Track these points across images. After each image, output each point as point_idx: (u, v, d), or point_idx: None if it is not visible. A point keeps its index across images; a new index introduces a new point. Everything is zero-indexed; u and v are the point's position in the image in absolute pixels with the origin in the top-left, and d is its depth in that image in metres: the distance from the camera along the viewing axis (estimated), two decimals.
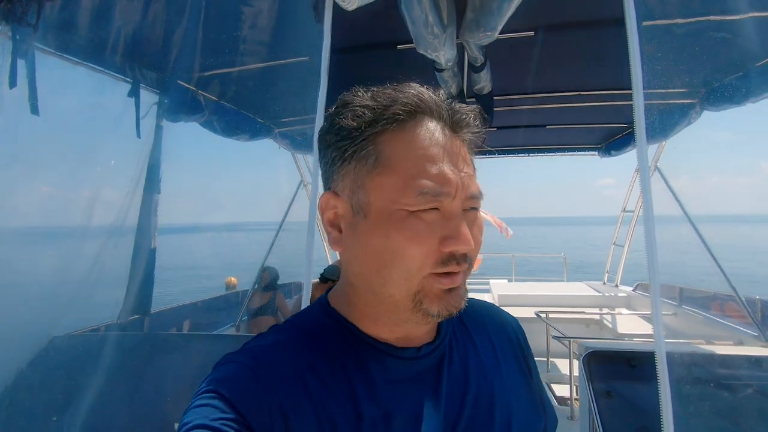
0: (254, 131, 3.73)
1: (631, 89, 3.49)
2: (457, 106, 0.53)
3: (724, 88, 3.02)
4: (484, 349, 0.63)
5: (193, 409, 0.46)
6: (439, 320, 0.52)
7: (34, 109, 1.86)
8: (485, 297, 6.67)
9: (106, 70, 2.27)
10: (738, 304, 3.39)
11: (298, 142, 4.77)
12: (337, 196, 0.53)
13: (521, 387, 0.64)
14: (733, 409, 1.27)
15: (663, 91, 3.49)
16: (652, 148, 4.62)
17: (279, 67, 2.65)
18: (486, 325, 0.67)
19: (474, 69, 2.03)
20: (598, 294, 5.75)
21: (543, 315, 4.51)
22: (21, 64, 1.76)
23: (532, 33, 2.31)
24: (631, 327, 4.51)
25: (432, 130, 0.50)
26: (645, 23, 2.58)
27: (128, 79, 2.47)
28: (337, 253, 0.56)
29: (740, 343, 3.28)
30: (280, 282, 4.52)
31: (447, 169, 0.48)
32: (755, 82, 2.75)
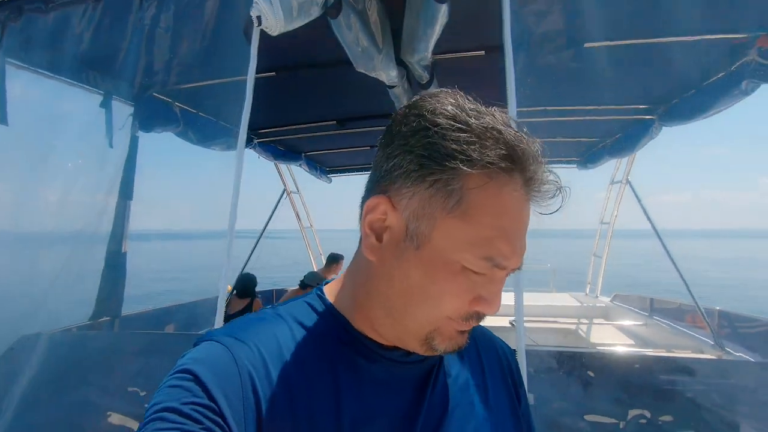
0: (231, 142, 3.86)
1: (603, 105, 3.61)
2: (546, 173, 0.48)
3: (680, 104, 3.15)
4: (473, 369, 0.62)
5: (166, 388, 0.44)
6: (441, 354, 0.52)
7: (3, 119, 1.98)
8: None
9: (77, 83, 2.40)
10: (700, 315, 3.47)
11: (279, 153, 4.90)
12: (394, 209, 0.49)
13: (507, 413, 0.63)
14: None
15: (625, 107, 3.62)
16: (622, 162, 4.74)
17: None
18: (478, 347, 0.66)
19: (421, 86, 2.15)
20: (577, 305, 5.82)
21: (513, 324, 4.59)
22: None
23: (482, 53, 2.44)
24: (604, 337, 4.58)
25: (519, 197, 0.47)
26: (606, 43, 2.71)
27: (100, 92, 2.59)
28: (370, 258, 0.51)
29: (700, 351, 3.36)
30: (258, 288, 4.61)
31: (518, 246, 0.47)
32: (706, 98, 2.87)
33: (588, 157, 5.34)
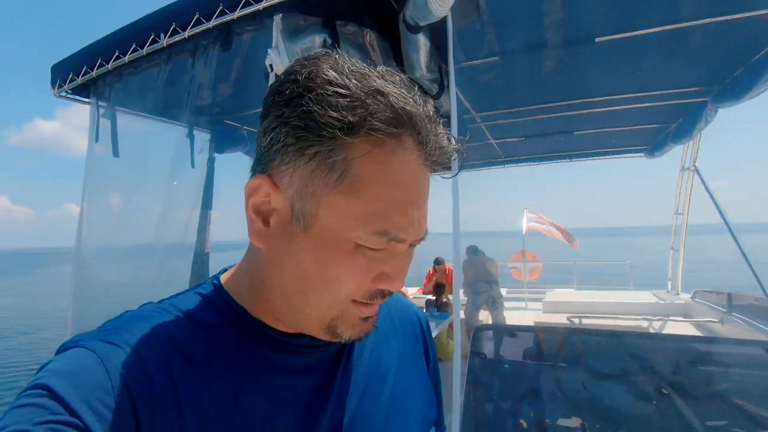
0: None
1: (657, 91, 3.54)
2: (442, 135, 0.45)
3: (730, 83, 2.96)
4: (386, 339, 0.61)
5: (15, 409, 0.37)
6: (346, 342, 0.49)
7: (116, 153, 2.64)
8: (536, 305, 6.62)
9: (166, 119, 3.05)
10: None
11: None
12: (277, 189, 0.45)
13: (420, 377, 0.63)
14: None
15: (677, 91, 3.44)
16: (681, 149, 4.42)
17: None
18: (392, 316, 0.64)
19: (432, 98, 2.39)
20: (654, 302, 5.47)
21: (576, 320, 4.50)
22: (105, 122, 2.55)
23: (497, 58, 2.60)
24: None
25: (412, 163, 0.44)
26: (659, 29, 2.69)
27: (184, 124, 3.23)
28: (258, 245, 0.47)
29: None
30: None
31: (412, 214, 0.44)
32: (754, 75, 2.70)
33: (654, 145, 5.04)
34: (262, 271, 0.49)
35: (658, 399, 1.32)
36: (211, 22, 1.79)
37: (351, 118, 0.40)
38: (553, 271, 10.96)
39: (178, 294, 0.53)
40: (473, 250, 5.63)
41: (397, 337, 0.63)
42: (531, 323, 5.42)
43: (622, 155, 5.81)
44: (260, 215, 0.46)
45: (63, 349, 0.43)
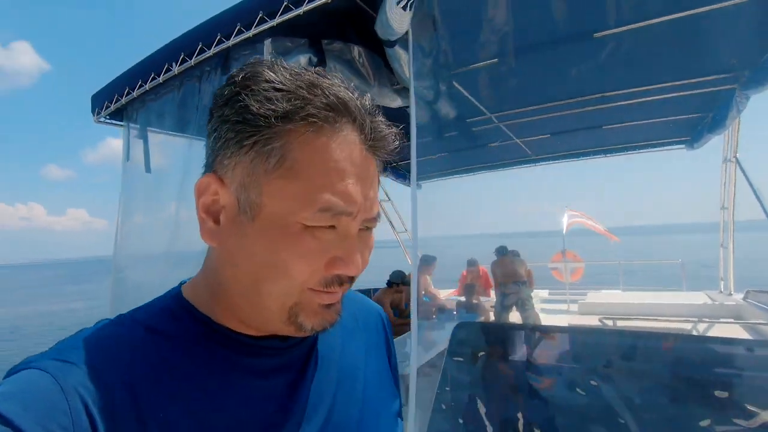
0: None
1: (695, 78, 3.43)
2: (381, 122, 0.47)
3: (757, 69, 2.77)
4: (353, 337, 0.62)
5: None
6: (312, 334, 0.48)
7: (148, 169, 2.94)
8: (570, 307, 6.39)
9: (193, 136, 3.33)
10: None
11: None
12: (223, 184, 0.46)
13: (386, 371, 0.66)
14: None
15: (705, 79, 3.25)
16: (721, 139, 4.13)
17: None
18: (356, 316, 0.66)
19: (429, 103, 2.46)
20: (702, 303, 5.13)
21: (609, 323, 4.34)
22: (137, 142, 2.85)
23: (496, 60, 2.62)
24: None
25: (350, 143, 0.45)
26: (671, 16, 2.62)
27: (202, 138, 3.53)
28: (211, 244, 0.48)
29: None
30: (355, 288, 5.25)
31: (354, 188, 0.44)
32: None
33: (694, 136, 4.74)
34: (217, 271, 0.49)
35: (592, 389, 1.32)
36: (211, 50, 1.99)
37: (287, 106, 0.42)
38: (600, 273, 10.46)
39: (136, 308, 0.51)
40: (502, 251, 5.56)
41: (362, 334, 0.65)
42: (554, 322, 5.28)
43: (662, 148, 5.51)
44: (210, 214, 0.47)
45: (13, 371, 0.41)
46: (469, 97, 3.39)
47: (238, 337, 0.50)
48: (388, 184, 6.32)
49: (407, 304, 5.31)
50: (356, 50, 2.04)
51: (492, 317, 5.33)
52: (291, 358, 0.53)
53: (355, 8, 1.86)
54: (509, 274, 5.22)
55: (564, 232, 8.81)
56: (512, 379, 1.47)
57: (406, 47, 1.81)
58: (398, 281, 5.21)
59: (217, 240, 0.47)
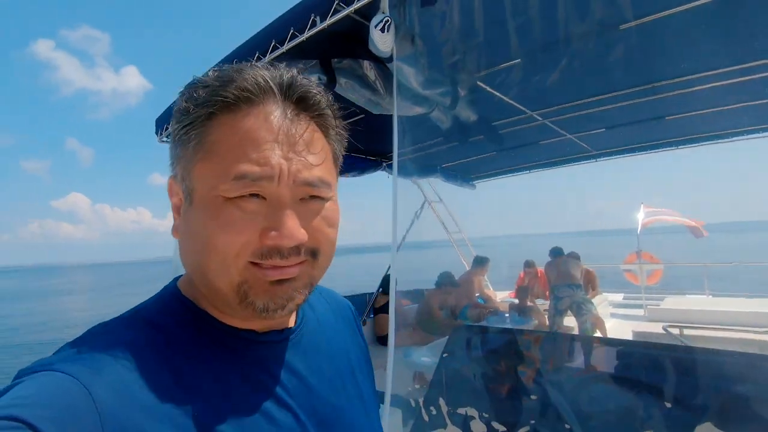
0: (363, 167, 4.77)
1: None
2: (303, 81, 0.48)
3: None
4: (335, 329, 0.66)
5: None
6: (271, 315, 0.47)
7: None
8: (636, 312, 5.88)
9: None
10: None
11: (412, 170, 5.60)
12: (176, 182, 0.49)
13: (365, 359, 0.70)
14: None
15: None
16: None
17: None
18: (332, 309, 0.70)
19: (448, 108, 2.49)
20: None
21: (675, 331, 3.98)
22: None
23: (519, 60, 2.56)
24: None
25: (267, 113, 0.46)
26: None
27: None
28: (176, 238, 0.51)
29: None
30: (399, 288, 5.38)
31: (271, 152, 0.44)
32: None
33: None
34: (184, 264, 0.51)
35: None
36: None
37: (203, 95, 0.45)
38: (684, 276, 9.46)
39: (140, 305, 0.52)
40: (556, 252, 5.31)
41: (342, 328, 0.68)
42: (629, 333, 4.90)
43: (750, 136, 4.87)
44: (177, 211, 0.50)
45: (23, 373, 0.39)
46: (503, 97, 3.34)
47: (235, 331, 0.51)
48: (440, 186, 6.34)
49: (466, 306, 5.31)
50: (366, 65, 2.16)
51: (546, 321, 5.12)
52: (291, 351, 0.55)
53: (358, 26, 1.98)
54: (562, 276, 4.97)
55: (639, 230, 8.12)
56: (506, 388, 1.49)
57: (405, 61, 1.89)
58: (446, 283, 5.23)
59: (176, 232, 0.50)
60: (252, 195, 0.44)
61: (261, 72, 0.47)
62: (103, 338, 0.45)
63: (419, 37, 1.67)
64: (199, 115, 0.46)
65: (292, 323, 0.58)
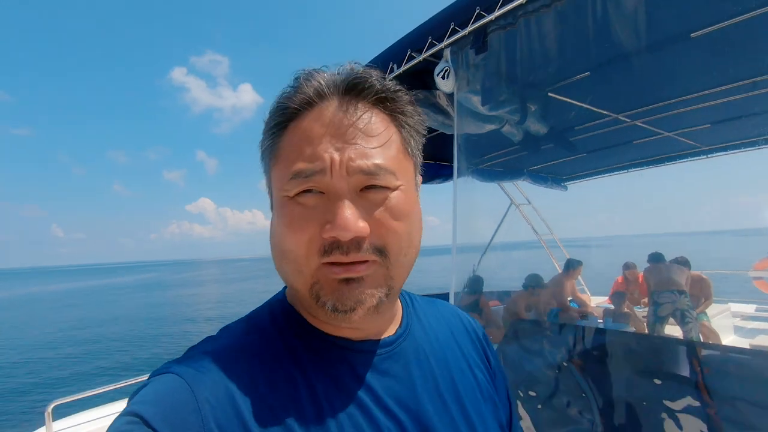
0: (446, 175, 5.04)
1: None
2: (357, 70, 0.49)
3: None
4: (445, 348, 0.61)
5: None
6: (343, 318, 0.46)
7: None
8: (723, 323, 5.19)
9: None
10: None
11: (497, 174, 5.71)
12: (268, 193, 0.53)
13: (484, 383, 0.62)
14: None
15: None
16: None
17: None
18: (451, 328, 0.65)
19: (517, 124, 2.71)
20: None
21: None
22: None
23: (588, 73, 2.65)
24: None
25: (322, 109, 0.47)
26: None
27: None
28: None
29: None
30: (485, 289, 5.54)
31: (322, 146, 0.45)
32: None
33: None
34: (276, 269, 0.51)
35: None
36: None
37: (275, 107, 0.49)
38: None
39: (255, 310, 0.56)
40: (655, 257, 5.01)
41: (455, 345, 0.63)
42: (746, 345, 4.44)
43: None
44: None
45: (153, 374, 0.45)
46: (582, 104, 3.39)
47: (331, 338, 0.51)
48: (527, 187, 6.34)
49: (554, 310, 5.31)
50: (438, 94, 2.51)
51: (645, 329, 4.86)
52: (389, 362, 0.53)
53: (430, 64, 2.35)
54: (663, 282, 4.69)
55: None
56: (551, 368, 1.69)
57: (468, 93, 2.20)
58: (534, 285, 5.24)
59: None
60: (309, 191, 0.45)
61: (322, 75, 0.49)
62: (214, 343, 0.49)
63: (481, 71, 1.95)
64: (272, 126, 0.50)
65: (391, 332, 0.56)
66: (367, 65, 0.50)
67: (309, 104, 0.47)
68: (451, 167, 5.16)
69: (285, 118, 0.49)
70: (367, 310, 0.46)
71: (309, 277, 0.46)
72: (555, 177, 6.38)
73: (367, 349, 0.53)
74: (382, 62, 2.19)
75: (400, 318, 0.60)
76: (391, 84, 0.50)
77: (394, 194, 0.47)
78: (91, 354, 12.08)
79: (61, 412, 2.88)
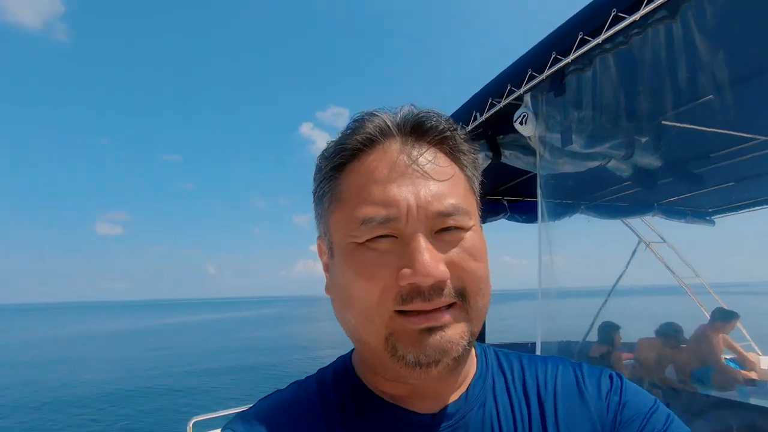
0: (557, 213, 4.75)
1: None
2: (419, 111, 0.47)
3: None
4: (542, 423, 0.49)
5: None
6: (425, 372, 0.42)
7: None
8: None
9: None
10: None
11: (620, 209, 5.14)
12: (322, 241, 0.51)
13: None
14: None
15: None
16: None
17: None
18: (557, 394, 0.51)
19: (624, 157, 2.51)
20: None
21: None
22: None
23: (711, 96, 2.33)
24: None
25: (389, 152, 0.45)
26: None
27: None
28: (329, 296, 0.51)
29: None
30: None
31: (394, 189, 0.43)
32: None
33: None
34: (339, 322, 0.48)
35: None
36: None
37: (331, 150, 0.48)
38: None
39: (325, 367, 0.56)
40: None
41: (556, 420, 0.49)
42: None
43: None
44: (326, 270, 0.51)
45: (224, 427, 0.48)
46: (714, 129, 2.97)
47: (381, 403, 0.49)
48: (660, 224, 5.59)
49: (701, 371, 4.46)
50: (515, 135, 2.50)
51: None
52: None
53: (515, 107, 2.37)
54: None
55: None
56: None
57: (552, 132, 2.15)
58: (670, 334, 4.45)
59: (327, 290, 0.50)
60: (383, 236, 0.43)
61: (382, 116, 0.47)
62: (276, 399, 0.51)
63: (564, 111, 1.90)
64: (329, 169, 0.48)
65: (456, 396, 0.50)
66: (452, 114, 0.56)
67: (371, 142, 0.46)
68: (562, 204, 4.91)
69: (344, 159, 0.47)
70: (451, 361, 0.43)
71: (382, 327, 0.43)
72: (697, 211, 5.53)
73: (427, 423, 0.47)
74: (465, 111, 2.29)
75: (470, 378, 0.52)
76: (451, 122, 0.48)
77: (469, 234, 0.45)
78: (232, 376, 13.65)
79: (200, 426, 3.36)
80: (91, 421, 8.78)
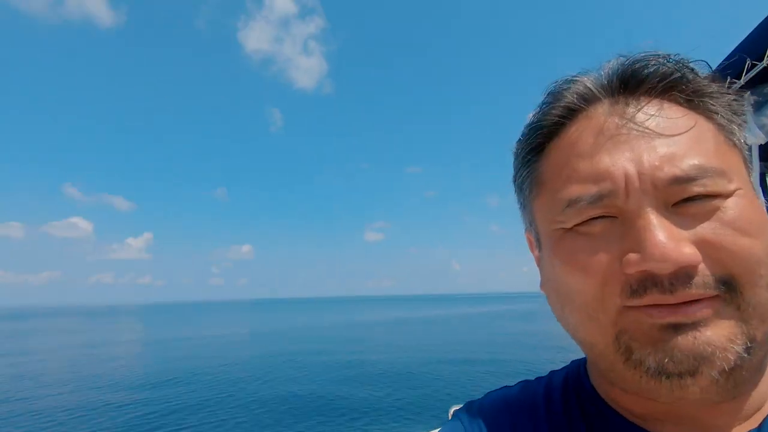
0: None
1: None
2: (628, 58, 0.36)
3: None
4: None
5: None
6: (676, 383, 0.31)
7: None
8: None
9: None
10: None
11: None
12: (530, 233, 0.44)
13: None
14: None
15: None
16: None
17: None
18: None
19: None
20: None
21: None
22: None
23: None
24: None
25: (594, 118, 0.36)
26: None
27: None
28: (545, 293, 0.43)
29: None
30: None
31: (605, 159, 0.33)
32: None
33: None
34: (558, 321, 0.41)
35: None
36: None
37: (526, 133, 0.41)
38: None
39: (563, 367, 0.49)
40: None
41: None
42: None
43: None
44: (539, 264, 0.44)
45: (453, 416, 0.49)
46: None
47: (618, 420, 0.38)
48: None
49: None
50: None
51: None
52: None
53: None
54: None
55: None
56: None
57: None
58: None
59: (542, 287, 0.43)
60: (597, 218, 0.34)
61: (582, 80, 0.38)
62: (501, 395, 0.49)
63: None
64: (527, 153, 0.41)
65: (753, 424, 0.35)
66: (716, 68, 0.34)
67: (571, 113, 0.38)
68: None
69: (541, 138, 0.40)
70: (717, 374, 0.30)
71: (609, 325, 0.33)
72: None
73: None
74: (733, 60, 1.71)
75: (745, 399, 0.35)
76: (684, 62, 0.36)
77: (731, 201, 0.32)
78: (488, 367, 13.98)
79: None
80: (374, 396, 10.44)
